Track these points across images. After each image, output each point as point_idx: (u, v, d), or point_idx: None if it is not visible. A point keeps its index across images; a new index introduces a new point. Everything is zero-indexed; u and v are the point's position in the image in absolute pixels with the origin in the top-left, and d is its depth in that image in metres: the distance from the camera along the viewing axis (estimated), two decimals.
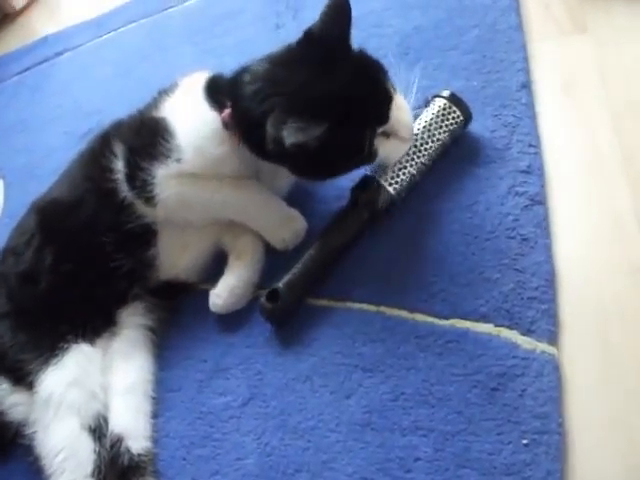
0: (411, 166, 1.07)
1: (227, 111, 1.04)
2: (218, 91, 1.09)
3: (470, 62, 1.26)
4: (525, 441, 0.83)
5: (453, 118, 1.10)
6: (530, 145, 1.09)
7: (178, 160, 1.07)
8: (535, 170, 1.06)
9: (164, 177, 1.08)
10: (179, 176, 1.08)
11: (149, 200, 1.09)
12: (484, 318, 0.94)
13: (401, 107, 1.02)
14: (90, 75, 1.97)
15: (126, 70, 1.86)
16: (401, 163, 1.07)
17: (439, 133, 1.09)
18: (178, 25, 1.90)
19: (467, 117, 1.12)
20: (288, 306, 1.05)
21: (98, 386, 1.08)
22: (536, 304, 0.93)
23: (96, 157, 1.16)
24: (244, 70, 1.05)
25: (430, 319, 0.98)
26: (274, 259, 1.13)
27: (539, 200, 1.03)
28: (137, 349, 1.14)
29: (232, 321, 1.12)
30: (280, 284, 1.05)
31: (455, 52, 1.29)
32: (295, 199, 1.17)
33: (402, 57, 1.29)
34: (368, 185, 1.08)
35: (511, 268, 0.97)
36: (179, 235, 1.15)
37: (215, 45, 1.72)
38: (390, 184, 1.06)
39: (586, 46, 1.21)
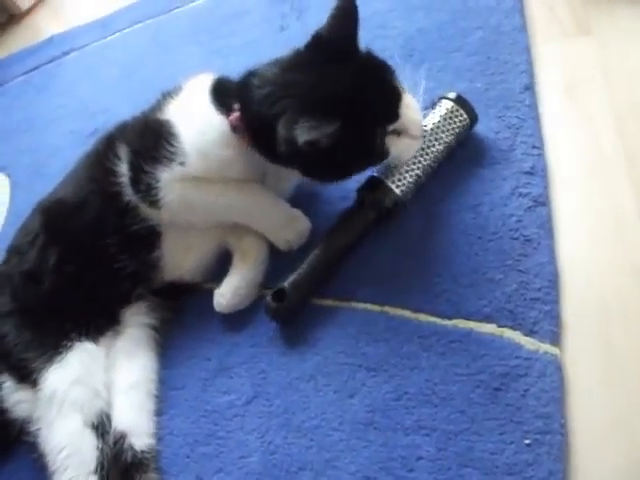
0: (417, 167, 1.07)
1: (236, 114, 1.04)
2: (224, 94, 1.09)
3: (474, 64, 1.26)
4: (527, 441, 0.83)
5: (459, 120, 1.11)
6: (534, 147, 1.10)
7: (182, 163, 1.07)
8: (538, 171, 1.07)
9: (168, 180, 1.07)
10: (183, 179, 1.08)
11: (153, 203, 1.09)
12: (487, 318, 0.95)
13: (410, 105, 1.02)
14: (96, 75, 1.98)
15: (132, 70, 1.87)
16: (407, 164, 1.07)
17: (445, 135, 1.10)
18: (184, 26, 1.91)
19: (473, 119, 1.13)
20: (294, 306, 1.05)
21: (101, 384, 1.08)
22: (539, 305, 0.93)
23: (100, 159, 1.16)
24: (252, 74, 1.05)
25: (433, 319, 0.98)
26: (279, 259, 1.14)
27: (542, 201, 1.03)
28: (140, 348, 1.15)
29: (236, 320, 1.12)
30: (286, 284, 1.05)
31: (459, 54, 1.29)
32: (300, 200, 1.18)
33: (406, 59, 1.30)
34: (374, 186, 1.08)
35: (514, 269, 0.98)
36: (183, 237, 1.16)
37: (220, 46, 1.73)
38: (396, 185, 1.06)
39: (590, 48, 1.21)
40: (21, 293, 1.16)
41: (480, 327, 0.95)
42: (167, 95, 1.16)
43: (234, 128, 1.05)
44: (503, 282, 0.97)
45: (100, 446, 1.01)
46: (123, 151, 1.12)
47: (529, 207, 1.03)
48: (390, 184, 1.07)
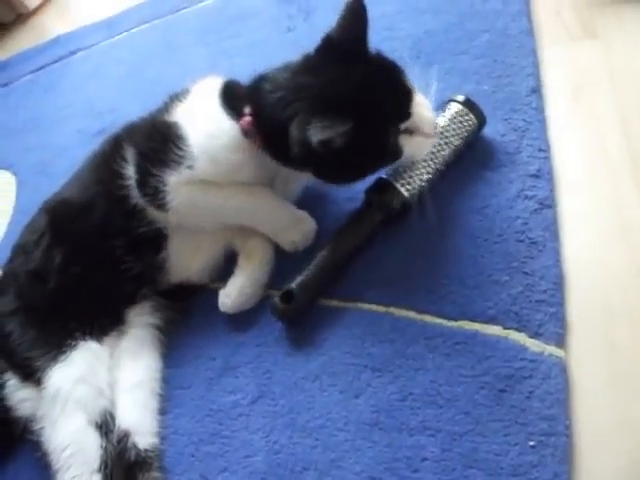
0: (425, 170, 1.08)
1: (247, 119, 1.04)
2: (234, 98, 1.08)
3: (481, 66, 1.26)
4: (532, 443, 0.83)
5: (467, 123, 1.11)
6: (540, 149, 1.10)
7: (190, 167, 1.06)
8: (544, 174, 1.07)
9: (176, 184, 1.07)
10: (191, 183, 1.08)
11: (161, 206, 1.09)
12: (493, 320, 0.95)
13: (422, 104, 1.02)
14: (103, 74, 1.98)
15: (139, 70, 1.87)
16: (416, 167, 1.07)
17: (454, 138, 1.10)
18: (191, 26, 1.91)
19: (481, 122, 1.13)
20: (301, 307, 1.06)
21: (105, 383, 1.08)
22: (544, 307, 0.94)
23: (107, 161, 1.15)
24: (263, 78, 1.05)
25: (439, 320, 0.98)
26: (287, 260, 1.14)
27: (548, 204, 1.03)
28: (145, 348, 1.15)
29: (242, 320, 1.12)
30: (294, 285, 1.05)
31: (466, 56, 1.30)
32: (306, 201, 1.18)
33: (414, 61, 1.30)
34: (382, 188, 1.08)
35: (520, 271, 0.98)
36: (190, 238, 1.16)
37: (227, 46, 1.73)
38: (404, 187, 1.07)
39: (596, 51, 1.21)
40: (26, 292, 1.15)
41: (485, 329, 0.95)
42: (175, 97, 1.16)
43: (245, 132, 1.05)
44: (509, 284, 0.97)
45: (104, 445, 1.02)
46: (130, 153, 1.12)
47: (535, 210, 1.03)
48: (398, 186, 1.07)
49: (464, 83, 1.24)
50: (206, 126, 1.07)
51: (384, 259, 1.08)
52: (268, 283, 1.14)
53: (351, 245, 1.08)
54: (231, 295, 1.12)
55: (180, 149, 1.06)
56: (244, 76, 1.12)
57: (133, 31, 2.05)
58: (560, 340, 0.91)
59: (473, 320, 0.96)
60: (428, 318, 0.99)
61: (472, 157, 1.13)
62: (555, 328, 0.91)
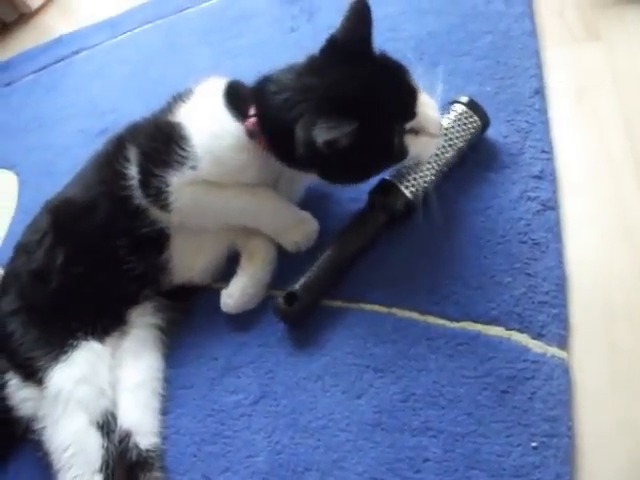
0: (429, 171, 1.07)
1: (252, 120, 1.04)
2: (238, 99, 1.08)
3: (484, 68, 1.26)
4: (534, 444, 0.83)
5: (472, 124, 1.11)
6: (543, 151, 1.10)
7: (194, 167, 1.06)
8: (547, 175, 1.07)
9: (178, 184, 1.07)
10: (194, 183, 1.08)
11: (164, 207, 1.09)
12: (495, 321, 0.95)
13: (427, 104, 1.02)
14: (106, 74, 1.98)
15: (142, 70, 1.87)
16: (420, 168, 1.07)
17: (457, 139, 1.10)
18: (194, 26, 1.91)
19: (485, 123, 1.12)
20: (304, 308, 1.05)
21: (106, 383, 1.08)
22: (547, 308, 0.94)
23: (110, 161, 1.15)
24: (267, 79, 1.05)
25: (441, 321, 0.98)
26: (289, 260, 1.14)
27: (551, 205, 1.03)
28: (147, 348, 1.15)
29: (244, 320, 1.12)
30: (297, 286, 1.05)
31: (469, 57, 1.30)
32: (310, 201, 1.18)
33: (417, 62, 1.30)
34: (386, 189, 1.08)
35: (522, 272, 0.98)
36: (192, 239, 1.16)
37: (230, 46, 1.73)
38: (408, 189, 1.07)
39: (599, 53, 1.21)
40: (28, 292, 1.16)
41: (488, 330, 0.95)
42: (178, 98, 1.16)
43: (250, 133, 1.05)
44: (511, 285, 0.97)
45: (105, 445, 1.02)
46: (133, 153, 1.12)
47: (538, 211, 1.03)
48: (402, 188, 1.07)
49: (467, 84, 1.24)
50: (210, 127, 1.07)
51: (387, 260, 1.08)
52: (270, 283, 1.14)
53: (355, 247, 1.08)
54: (233, 295, 1.12)
55: (183, 149, 1.06)
56: (247, 76, 1.12)
57: (136, 31, 2.06)
58: (562, 341, 0.91)
59: (476, 321, 0.96)
60: (431, 319, 0.99)
61: (475, 158, 1.13)
62: (558, 329, 0.91)
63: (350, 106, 0.95)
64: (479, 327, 0.96)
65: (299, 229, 1.13)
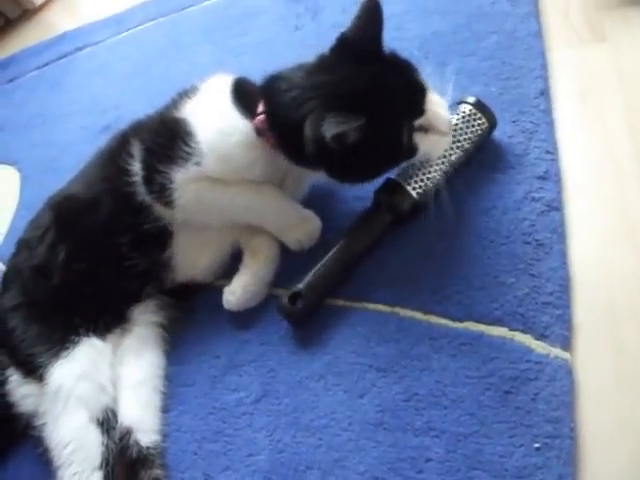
0: (435, 171, 1.07)
1: (261, 117, 1.04)
2: (246, 96, 1.08)
3: (488, 68, 1.26)
4: (537, 445, 0.83)
5: (478, 125, 1.10)
6: (547, 152, 1.10)
7: (198, 164, 1.06)
8: (552, 176, 1.07)
9: (183, 181, 1.07)
10: (198, 180, 1.07)
11: (167, 203, 1.09)
12: (498, 322, 0.95)
13: (436, 102, 1.02)
14: (109, 71, 1.98)
15: (145, 67, 1.88)
16: (426, 168, 1.07)
17: (464, 140, 1.09)
18: (197, 24, 1.91)
19: (492, 124, 1.12)
20: (308, 308, 1.05)
21: (107, 380, 1.08)
22: (550, 309, 0.93)
23: (114, 158, 1.15)
24: (277, 77, 1.05)
25: (444, 321, 0.98)
26: (292, 259, 1.14)
27: (555, 206, 1.03)
28: (148, 346, 1.15)
29: (247, 318, 1.12)
30: (301, 286, 1.05)
31: (474, 58, 1.29)
32: (315, 199, 1.18)
33: (422, 61, 1.30)
34: (392, 189, 1.08)
35: (526, 273, 0.98)
36: (196, 236, 1.15)
37: (234, 45, 1.73)
38: (414, 189, 1.06)
39: (604, 54, 1.21)
40: (30, 287, 1.16)
41: (491, 330, 0.95)
42: (183, 94, 1.15)
43: (258, 131, 1.05)
44: (515, 286, 0.97)
45: (105, 442, 1.02)
46: (137, 149, 1.11)
47: (542, 212, 1.03)
48: (408, 188, 1.06)
49: (472, 85, 1.24)
50: (217, 123, 1.07)
51: (390, 259, 1.08)
52: (273, 281, 1.14)
53: (360, 246, 1.08)
54: (236, 293, 1.11)
55: (188, 145, 1.06)
56: (252, 75, 1.12)
57: (139, 28, 2.06)
58: (566, 342, 0.90)
59: (479, 321, 0.96)
60: (434, 319, 0.99)
61: (479, 159, 1.13)
62: (561, 330, 0.91)
63: (359, 102, 0.95)
64: (482, 327, 0.95)
65: (302, 227, 1.13)
